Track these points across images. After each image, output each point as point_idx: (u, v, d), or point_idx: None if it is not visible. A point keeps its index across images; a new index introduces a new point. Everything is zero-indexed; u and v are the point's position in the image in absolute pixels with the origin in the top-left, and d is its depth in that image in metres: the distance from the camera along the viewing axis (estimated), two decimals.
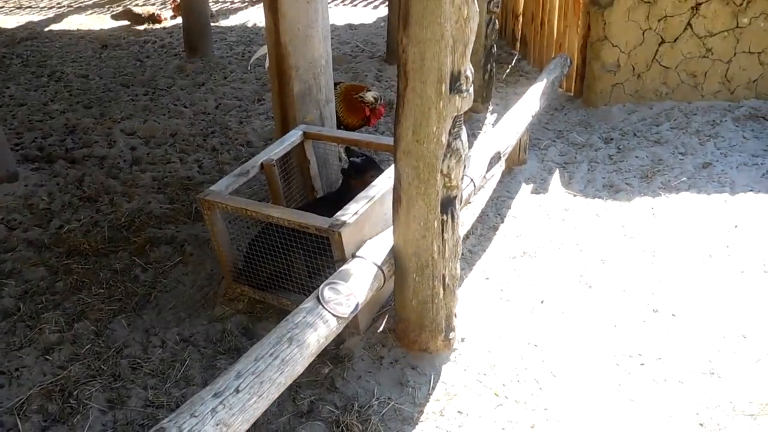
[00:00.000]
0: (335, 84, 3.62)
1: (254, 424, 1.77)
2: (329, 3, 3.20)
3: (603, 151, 4.21)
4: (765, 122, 4.42)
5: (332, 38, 3.33)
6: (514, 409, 2.32)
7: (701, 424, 2.22)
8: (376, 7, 8.61)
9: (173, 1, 8.26)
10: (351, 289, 2.18)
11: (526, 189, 3.82)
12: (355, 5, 8.78)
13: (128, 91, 5.70)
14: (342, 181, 3.19)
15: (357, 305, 2.16)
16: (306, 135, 3.23)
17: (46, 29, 8.03)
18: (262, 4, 3.21)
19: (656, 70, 4.67)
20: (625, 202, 3.62)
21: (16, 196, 3.89)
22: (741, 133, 4.28)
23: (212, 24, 7.07)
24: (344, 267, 2.34)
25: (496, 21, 4.69)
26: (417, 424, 2.28)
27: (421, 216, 2.27)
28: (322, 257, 2.66)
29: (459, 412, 2.32)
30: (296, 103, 3.25)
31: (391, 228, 2.45)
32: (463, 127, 2.22)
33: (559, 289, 2.93)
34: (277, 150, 3.10)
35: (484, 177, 3.07)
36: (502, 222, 3.49)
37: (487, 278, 3.04)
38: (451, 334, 2.55)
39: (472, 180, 2.88)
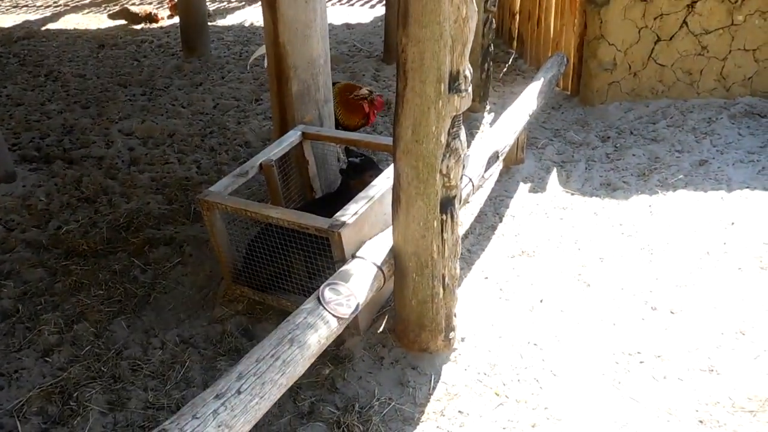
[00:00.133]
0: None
1: (255, 426, 1.77)
2: (326, 2, 3.20)
3: (600, 150, 4.22)
4: (760, 119, 4.44)
5: (329, 38, 3.32)
6: (515, 408, 2.33)
7: (701, 421, 2.23)
8: (373, 7, 8.61)
9: (170, 1, 8.24)
10: (351, 290, 2.19)
11: (524, 188, 3.83)
12: (352, 5, 8.78)
13: (126, 91, 5.68)
14: (341, 181, 3.19)
15: (357, 306, 2.16)
16: (305, 135, 3.23)
17: (43, 28, 8.01)
18: (259, 4, 3.21)
19: (652, 68, 4.68)
20: (623, 200, 3.63)
21: (14, 196, 3.89)
22: (737, 131, 4.30)
23: (209, 23, 7.05)
24: (344, 267, 2.34)
25: (493, 20, 4.70)
26: (418, 424, 2.29)
27: (421, 216, 2.28)
28: (322, 258, 2.66)
29: (460, 411, 2.32)
30: (295, 103, 3.25)
31: (391, 228, 2.46)
32: (462, 126, 2.23)
33: (558, 288, 2.94)
34: (275, 150, 3.10)
35: (483, 176, 3.07)
36: (501, 221, 3.50)
37: (486, 278, 3.05)
38: (451, 334, 2.56)
39: (470, 179, 2.89)
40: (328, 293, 2.11)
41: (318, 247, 2.63)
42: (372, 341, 2.66)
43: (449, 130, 2.16)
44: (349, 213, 2.52)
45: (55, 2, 9.51)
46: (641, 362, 2.50)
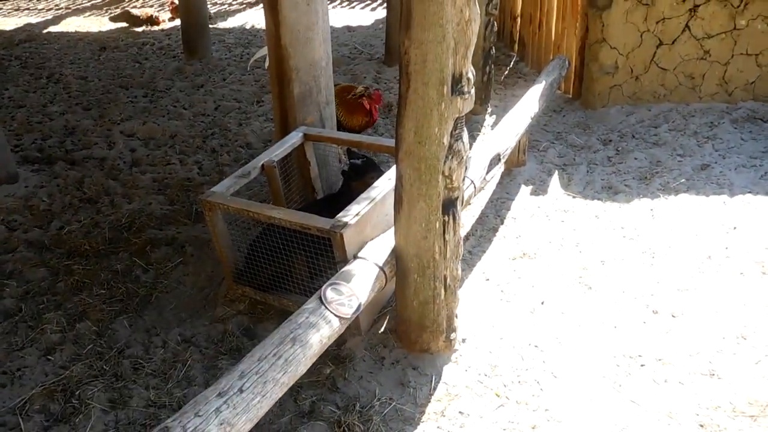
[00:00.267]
0: None
1: (256, 424, 1.77)
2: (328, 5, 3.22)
3: (602, 153, 4.23)
4: (763, 124, 4.45)
5: (330, 40, 3.34)
6: (515, 409, 2.33)
7: (701, 425, 2.23)
8: (374, 9, 8.63)
9: (171, 3, 8.27)
10: (353, 290, 2.19)
11: (525, 190, 3.83)
12: (353, 7, 8.80)
13: (127, 93, 5.70)
14: (342, 182, 3.20)
15: (359, 306, 2.17)
16: (306, 136, 3.24)
17: (45, 31, 8.03)
18: (260, 6, 3.22)
19: (654, 72, 4.69)
20: (624, 203, 3.64)
21: (16, 197, 3.90)
22: (739, 135, 4.31)
23: (210, 26, 7.08)
24: (346, 268, 2.35)
25: (495, 23, 4.71)
26: (418, 424, 2.29)
27: (423, 217, 2.28)
28: (324, 258, 2.67)
29: (460, 412, 2.32)
30: (296, 105, 3.26)
31: (392, 229, 2.46)
32: (465, 128, 2.24)
33: (559, 290, 2.94)
34: (277, 151, 3.11)
35: (484, 178, 3.08)
36: (502, 223, 3.51)
37: (488, 279, 3.05)
38: (452, 335, 2.56)
39: (472, 181, 2.90)
40: (330, 293, 2.12)
41: (319, 247, 2.64)
42: (373, 341, 2.66)
43: (452, 131, 2.16)
44: (351, 214, 2.53)
45: (56, 5, 9.54)
46: (642, 365, 2.51)
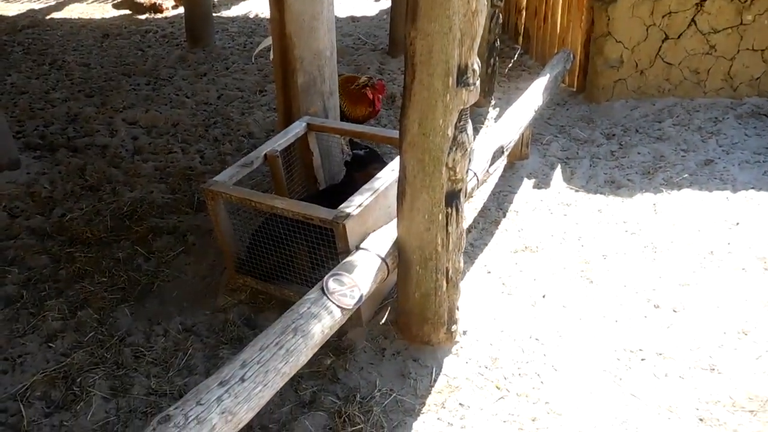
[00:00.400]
0: None
1: (257, 414, 1.78)
2: None
3: (605, 147, 4.21)
4: (767, 120, 4.43)
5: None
6: (516, 402, 2.33)
7: (701, 419, 2.24)
8: (378, 0, 8.57)
9: None
10: (355, 281, 2.19)
11: (528, 184, 3.83)
12: None
13: (130, 81, 5.68)
14: (345, 173, 3.19)
15: (361, 297, 2.17)
16: (310, 126, 3.23)
17: (47, 17, 7.99)
18: None
19: (659, 67, 4.66)
20: (627, 198, 3.63)
21: (18, 183, 3.89)
22: (743, 131, 4.29)
23: (214, 14, 7.04)
24: (348, 258, 2.35)
25: (500, 15, 4.68)
26: (419, 415, 2.29)
27: (426, 209, 2.28)
28: (326, 249, 2.66)
29: (460, 404, 2.33)
30: (300, 95, 3.25)
31: (395, 220, 2.46)
32: (469, 120, 2.23)
33: (561, 284, 2.94)
34: (280, 141, 3.10)
35: (487, 171, 3.07)
36: (504, 216, 3.50)
37: (489, 272, 3.05)
38: (453, 327, 2.56)
39: (475, 174, 2.89)
40: (332, 284, 2.12)
41: (322, 238, 2.64)
42: (374, 333, 2.66)
43: (456, 123, 2.16)
44: (354, 205, 2.53)
45: None
46: (643, 359, 2.51)
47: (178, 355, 2.59)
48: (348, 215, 2.46)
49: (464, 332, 2.65)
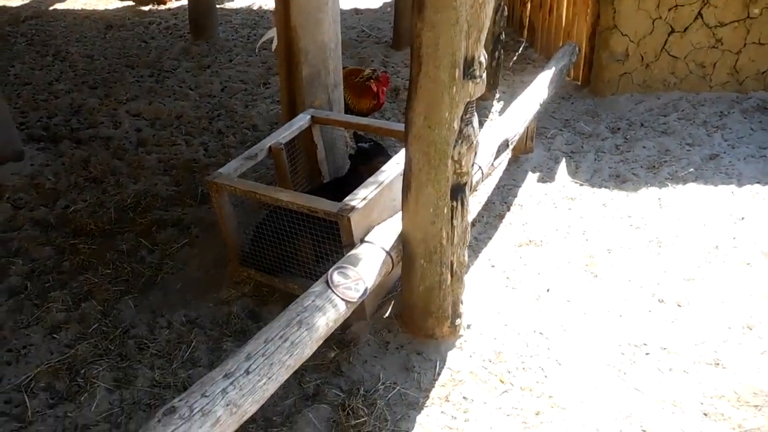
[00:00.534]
0: None
1: (261, 407, 1.78)
2: None
3: (610, 141, 4.19)
4: None
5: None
6: (520, 396, 2.33)
7: (705, 414, 2.23)
8: None
9: None
10: (360, 274, 2.19)
11: (532, 177, 3.81)
12: None
13: (133, 73, 5.67)
14: (349, 166, 3.18)
15: (366, 290, 2.16)
16: (314, 119, 3.22)
17: (51, 8, 7.97)
18: None
19: (665, 60, 4.64)
20: (632, 192, 3.62)
21: (22, 175, 3.89)
22: (749, 125, 4.27)
23: (217, 6, 7.02)
24: (353, 252, 2.34)
25: (505, 7, 4.65)
26: (422, 409, 2.29)
27: (431, 202, 2.27)
28: (330, 242, 2.66)
29: (464, 398, 2.33)
30: (305, 87, 3.24)
31: (400, 214, 2.45)
32: (475, 113, 2.21)
33: (565, 278, 2.93)
34: (285, 134, 3.09)
35: (492, 165, 3.06)
36: (508, 210, 3.49)
37: (493, 266, 3.04)
38: (457, 321, 2.56)
39: (480, 167, 2.88)
40: (336, 277, 2.11)
41: (326, 231, 2.63)
42: (378, 326, 2.66)
43: (462, 116, 2.14)
44: (359, 197, 2.52)
45: None
46: (647, 354, 2.50)
47: (181, 348, 2.59)
48: (353, 208, 2.45)
49: (468, 326, 2.65)
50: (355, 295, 2.11)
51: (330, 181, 3.33)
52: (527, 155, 4.02)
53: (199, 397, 1.60)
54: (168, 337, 2.66)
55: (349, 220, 2.43)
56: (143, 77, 5.57)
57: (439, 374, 2.43)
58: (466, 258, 2.50)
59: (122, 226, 3.42)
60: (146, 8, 7.88)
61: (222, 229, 2.91)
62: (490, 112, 4.67)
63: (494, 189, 3.69)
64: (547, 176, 3.82)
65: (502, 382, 2.39)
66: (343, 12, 7.29)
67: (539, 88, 3.71)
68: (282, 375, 1.80)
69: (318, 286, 2.07)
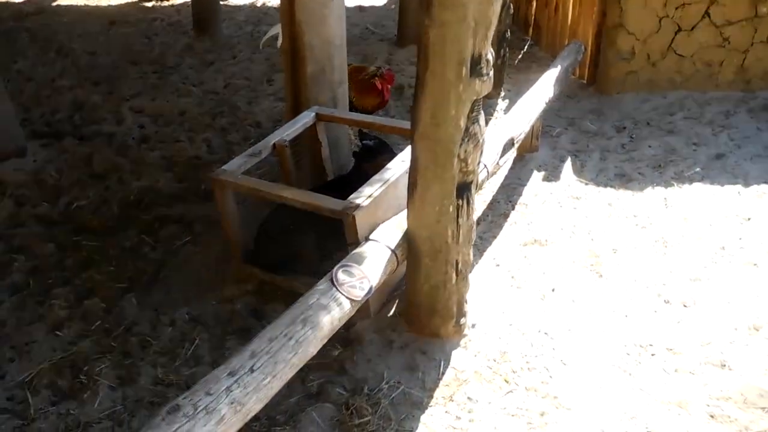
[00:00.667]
0: None
1: (264, 405, 1.76)
2: None
3: (615, 140, 4.17)
4: None
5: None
6: (524, 396, 2.32)
7: (712, 416, 2.22)
8: None
9: None
10: (364, 272, 2.17)
11: (537, 176, 3.79)
12: None
13: (136, 69, 5.66)
14: (354, 164, 3.17)
15: (370, 288, 2.15)
16: (318, 116, 3.20)
17: (53, 4, 7.96)
18: None
19: (671, 59, 4.61)
20: (638, 191, 3.60)
21: (25, 171, 3.88)
22: (755, 125, 4.24)
23: (221, 2, 7.00)
24: (358, 250, 2.33)
25: (511, 5, 4.63)
26: (426, 408, 2.28)
27: (436, 200, 2.25)
28: (334, 240, 2.64)
29: (469, 398, 2.31)
30: (309, 84, 3.22)
31: (405, 212, 2.43)
32: (482, 111, 2.20)
33: (570, 278, 2.92)
34: (289, 131, 3.08)
35: (497, 163, 3.04)
36: (513, 209, 3.47)
37: (498, 265, 3.03)
38: (462, 320, 2.54)
39: (485, 166, 2.85)
40: (341, 275, 2.10)
41: (330, 229, 2.61)
42: (382, 325, 2.65)
43: (469, 114, 2.12)
44: (364, 195, 2.50)
45: None
46: (653, 355, 2.49)
47: (184, 345, 2.58)
48: (358, 206, 2.44)
49: (473, 325, 2.63)
50: (360, 294, 2.10)
51: (334, 178, 3.31)
52: (532, 154, 4.00)
53: (203, 395, 1.58)
54: (171, 335, 2.65)
55: (353, 218, 2.41)
56: (146, 74, 5.55)
57: (443, 374, 2.42)
58: (471, 257, 2.49)
59: (125, 222, 3.41)
60: (149, 4, 7.86)
61: (225, 227, 2.90)
62: (495, 110, 4.65)
63: (499, 188, 3.67)
64: (552, 175, 3.80)
65: (507, 382, 2.38)
66: (347, 9, 7.25)
67: (545, 87, 3.69)
68: (286, 373, 1.79)
69: (322, 285, 2.06)
